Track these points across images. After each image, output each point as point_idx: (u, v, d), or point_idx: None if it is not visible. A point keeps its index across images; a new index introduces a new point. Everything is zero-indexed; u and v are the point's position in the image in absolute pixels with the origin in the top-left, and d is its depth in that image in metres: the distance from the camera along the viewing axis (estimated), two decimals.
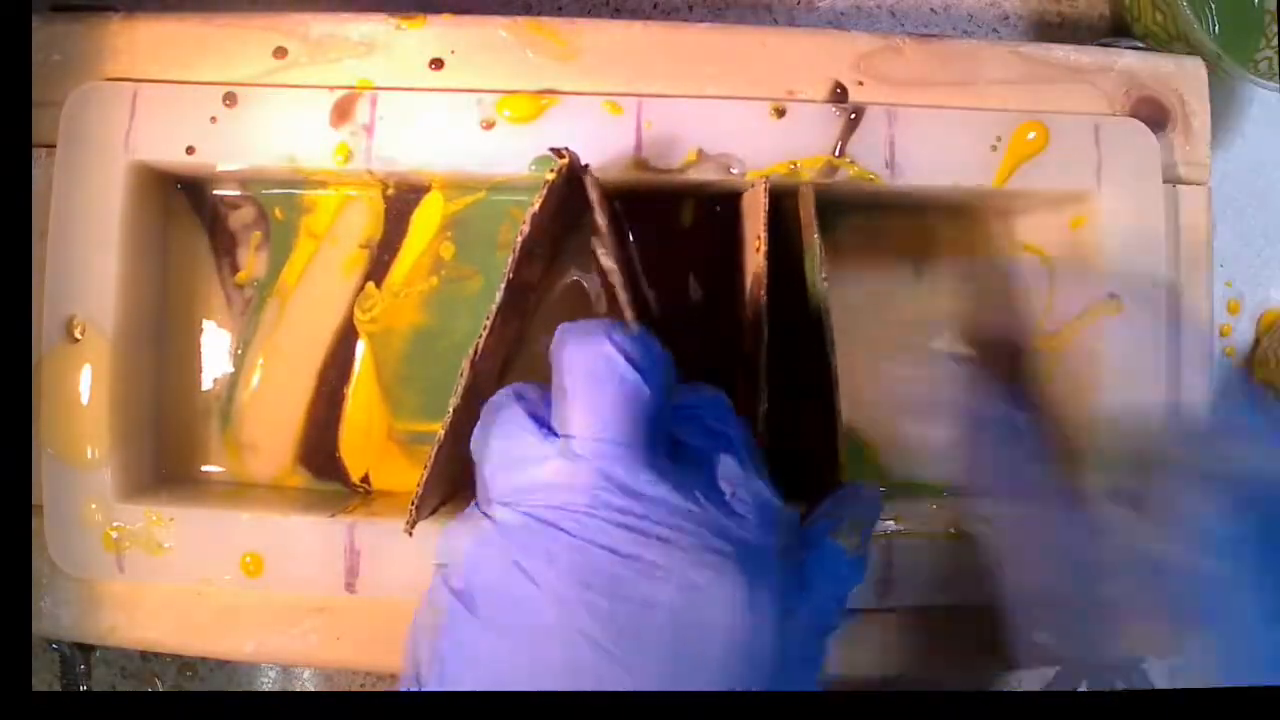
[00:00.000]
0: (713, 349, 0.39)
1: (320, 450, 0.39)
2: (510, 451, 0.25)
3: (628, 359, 0.24)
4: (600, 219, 0.32)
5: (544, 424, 0.25)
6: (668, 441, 0.25)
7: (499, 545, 0.23)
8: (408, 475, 0.39)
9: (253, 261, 0.39)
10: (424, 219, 0.39)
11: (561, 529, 0.23)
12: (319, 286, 0.39)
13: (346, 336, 0.39)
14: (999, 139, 0.36)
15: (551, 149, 0.31)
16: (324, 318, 0.39)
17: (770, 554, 0.24)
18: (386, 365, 0.39)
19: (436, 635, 0.24)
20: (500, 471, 0.25)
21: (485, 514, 0.24)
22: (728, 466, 0.25)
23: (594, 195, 0.32)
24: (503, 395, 0.26)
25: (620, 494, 0.23)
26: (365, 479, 0.39)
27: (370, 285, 0.39)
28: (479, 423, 0.26)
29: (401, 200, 0.39)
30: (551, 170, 0.30)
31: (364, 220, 0.39)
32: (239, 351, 0.39)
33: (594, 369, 0.24)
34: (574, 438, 0.23)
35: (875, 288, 0.40)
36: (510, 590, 0.23)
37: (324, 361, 0.39)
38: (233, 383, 0.39)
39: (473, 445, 0.26)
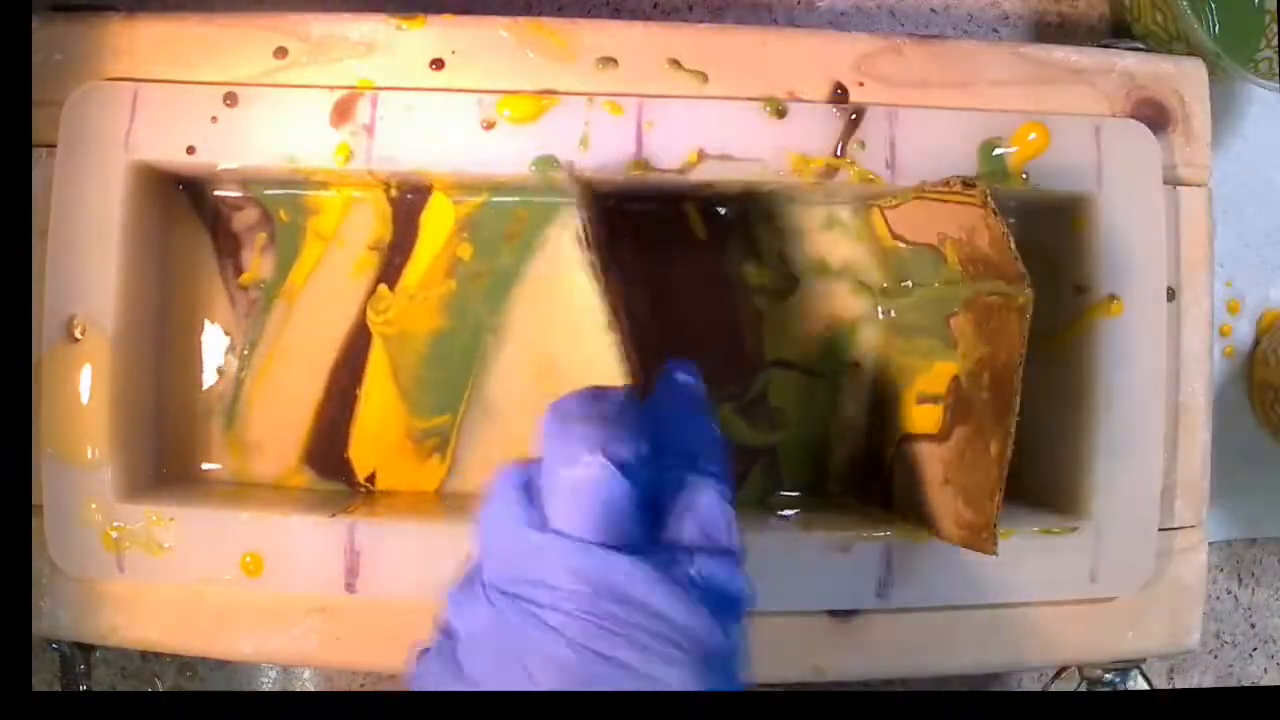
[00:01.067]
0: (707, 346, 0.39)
1: (329, 450, 0.39)
2: (502, 535, 0.25)
3: (615, 461, 0.24)
4: (580, 214, 0.32)
5: (535, 500, 0.25)
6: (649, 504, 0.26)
7: (490, 620, 0.24)
8: (418, 475, 0.39)
9: (258, 263, 0.39)
10: (435, 221, 0.39)
11: (550, 626, 0.23)
12: (328, 288, 0.39)
13: (358, 338, 0.39)
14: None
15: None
16: (334, 319, 0.39)
17: (734, 654, 0.25)
18: (404, 367, 0.39)
19: (415, 658, 0.25)
20: (493, 551, 0.25)
21: (483, 590, 0.25)
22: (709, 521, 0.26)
23: (573, 190, 0.32)
24: (502, 473, 0.27)
25: (609, 599, 0.24)
26: (370, 478, 0.39)
27: (383, 287, 0.39)
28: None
29: (407, 202, 0.39)
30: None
31: (371, 222, 0.39)
32: (245, 352, 0.39)
33: (578, 474, 0.24)
34: (564, 536, 0.24)
35: None
36: (495, 661, 0.24)
37: (334, 363, 0.39)
38: (238, 383, 0.39)
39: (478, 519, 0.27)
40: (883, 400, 0.39)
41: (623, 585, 0.24)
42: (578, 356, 0.39)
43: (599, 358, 0.38)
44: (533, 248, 0.39)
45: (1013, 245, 0.31)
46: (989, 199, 0.31)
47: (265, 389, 0.39)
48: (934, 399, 0.36)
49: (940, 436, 0.35)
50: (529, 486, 0.26)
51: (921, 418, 0.37)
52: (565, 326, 0.39)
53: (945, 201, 0.34)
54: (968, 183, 0.32)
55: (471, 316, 0.39)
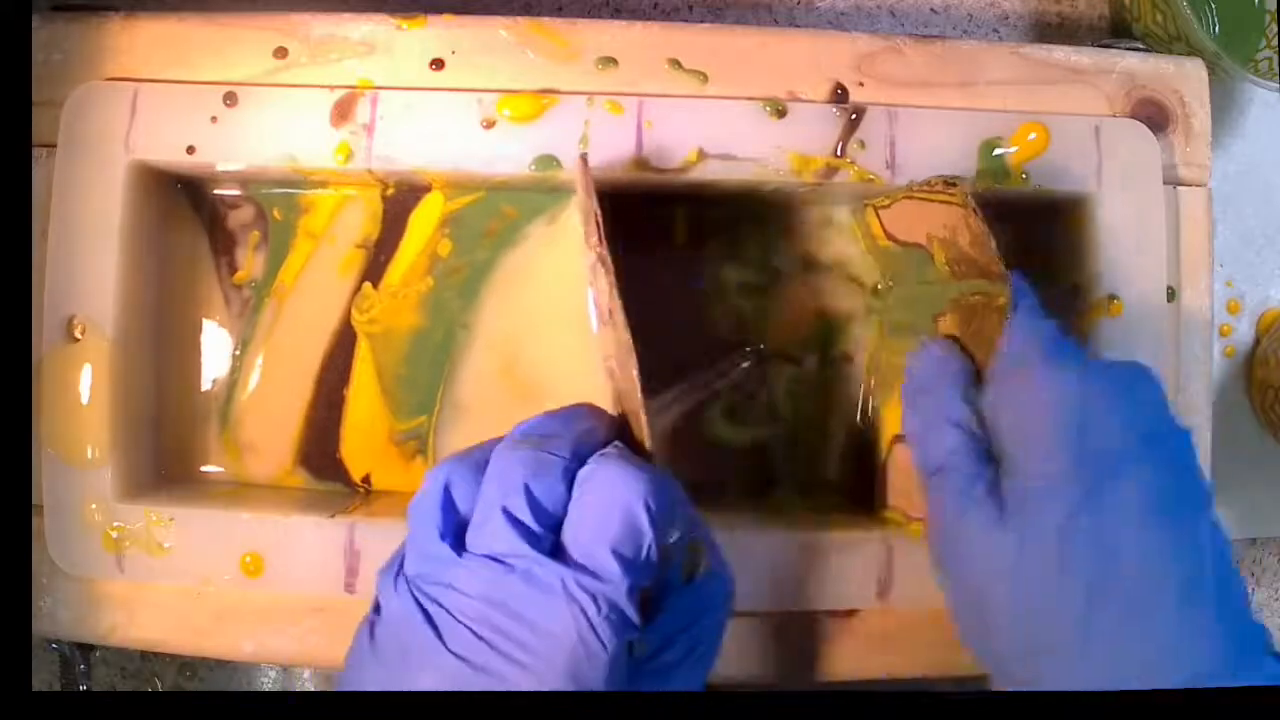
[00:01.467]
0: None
1: (320, 451, 0.39)
2: (422, 535, 0.26)
3: (532, 499, 0.25)
4: (591, 206, 0.32)
5: (455, 505, 0.26)
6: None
7: (402, 608, 0.25)
8: (408, 476, 0.39)
9: (251, 261, 0.39)
10: (423, 219, 0.39)
11: (440, 630, 0.25)
12: (315, 287, 0.39)
13: (344, 337, 0.39)
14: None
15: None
16: (321, 319, 0.39)
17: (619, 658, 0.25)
18: (386, 366, 0.39)
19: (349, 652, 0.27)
20: (414, 546, 0.26)
21: (403, 579, 0.26)
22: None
23: (583, 182, 0.32)
24: (436, 470, 0.27)
25: (499, 614, 0.25)
26: (366, 479, 0.39)
27: (367, 286, 0.39)
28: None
29: (400, 200, 0.39)
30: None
31: (361, 220, 0.39)
32: (237, 352, 0.39)
33: (497, 518, 0.25)
34: (469, 554, 0.25)
35: None
36: (397, 648, 0.25)
37: (322, 363, 0.39)
38: (231, 383, 0.39)
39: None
40: (874, 400, 0.39)
41: (513, 604, 0.24)
42: (541, 353, 0.39)
43: (562, 354, 0.38)
44: (512, 242, 0.39)
45: (994, 244, 0.31)
46: (969, 199, 0.31)
47: (257, 390, 0.39)
48: None
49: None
50: (455, 486, 0.26)
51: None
52: (532, 322, 0.39)
53: (931, 201, 0.34)
54: (949, 181, 0.32)
55: (446, 313, 0.39)
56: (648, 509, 0.25)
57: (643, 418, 0.28)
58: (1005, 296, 0.31)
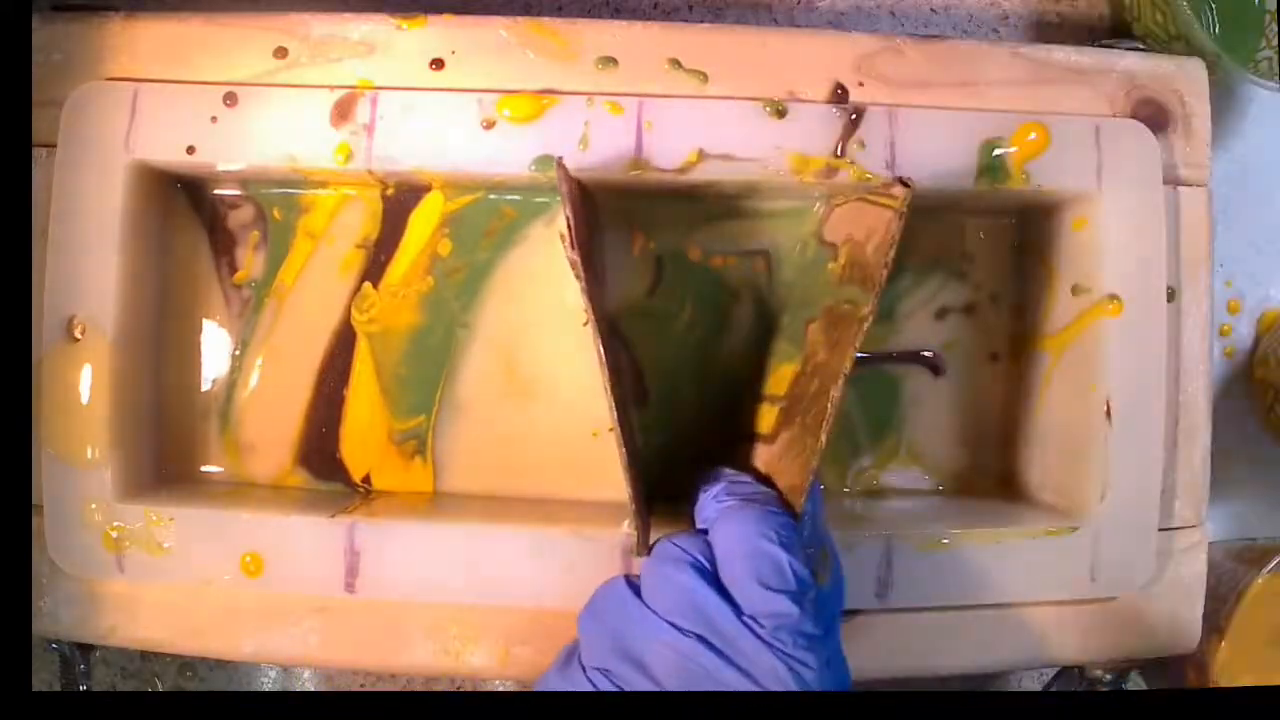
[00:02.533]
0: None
1: (320, 451, 0.39)
2: (608, 613, 0.29)
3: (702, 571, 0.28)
4: (565, 211, 0.31)
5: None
6: None
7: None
8: (408, 476, 0.39)
9: (251, 261, 0.39)
10: (423, 218, 0.39)
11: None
12: (315, 287, 0.39)
13: (344, 337, 0.39)
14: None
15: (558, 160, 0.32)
16: (321, 318, 0.39)
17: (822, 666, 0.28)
18: (386, 366, 0.39)
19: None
20: (595, 634, 0.29)
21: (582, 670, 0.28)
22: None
23: (562, 188, 0.32)
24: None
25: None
26: (366, 479, 0.39)
27: (367, 285, 0.39)
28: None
29: (400, 200, 0.39)
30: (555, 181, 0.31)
31: (361, 220, 0.39)
32: (237, 352, 0.39)
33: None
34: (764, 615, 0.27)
35: None
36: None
37: (322, 363, 0.39)
38: (231, 383, 0.39)
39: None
40: (731, 400, 0.39)
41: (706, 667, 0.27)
42: (541, 353, 0.39)
43: (562, 354, 0.38)
44: (511, 242, 0.39)
45: (891, 256, 0.30)
46: (907, 204, 0.30)
47: (257, 389, 0.39)
48: (775, 400, 0.36)
49: (770, 438, 0.35)
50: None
51: (764, 418, 0.37)
52: (531, 322, 0.39)
53: (875, 205, 0.34)
54: (904, 182, 0.31)
55: (446, 313, 0.39)
56: (772, 539, 0.28)
57: (619, 432, 0.28)
58: (869, 307, 0.30)
